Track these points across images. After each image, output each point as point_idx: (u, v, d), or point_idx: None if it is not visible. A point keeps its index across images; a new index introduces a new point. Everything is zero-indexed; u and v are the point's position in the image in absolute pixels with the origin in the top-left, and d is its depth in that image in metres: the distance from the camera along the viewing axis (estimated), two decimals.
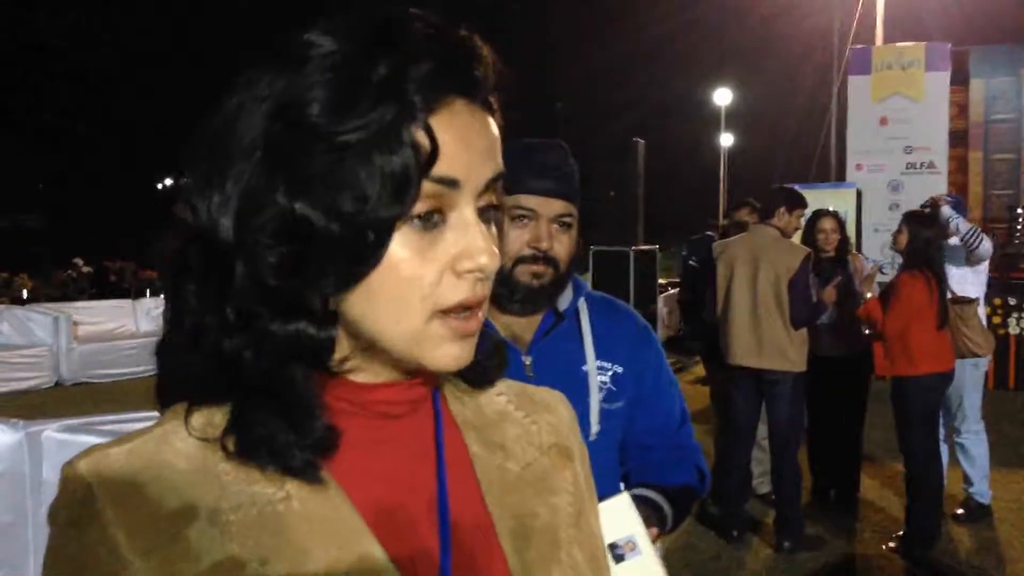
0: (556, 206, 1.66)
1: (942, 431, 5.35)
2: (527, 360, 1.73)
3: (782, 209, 5.10)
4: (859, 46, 13.94)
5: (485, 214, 0.73)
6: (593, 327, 1.81)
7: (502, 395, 0.89)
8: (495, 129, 0.74)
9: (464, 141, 0.69)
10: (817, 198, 10.61)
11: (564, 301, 1.77)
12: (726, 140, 41.77)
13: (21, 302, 15.80)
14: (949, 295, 5.08)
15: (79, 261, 23.23)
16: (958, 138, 12.69)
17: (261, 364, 0.69)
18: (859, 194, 10.98)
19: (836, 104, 17.91)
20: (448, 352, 0.71)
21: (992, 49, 13.39)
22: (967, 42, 14.07)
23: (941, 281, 4.92)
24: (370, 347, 0.72)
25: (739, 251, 5.11)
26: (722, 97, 40.75)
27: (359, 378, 0.75)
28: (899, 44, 13.27)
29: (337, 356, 0.72)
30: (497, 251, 0.72)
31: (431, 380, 0.79)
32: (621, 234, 13.38)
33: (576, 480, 0.88)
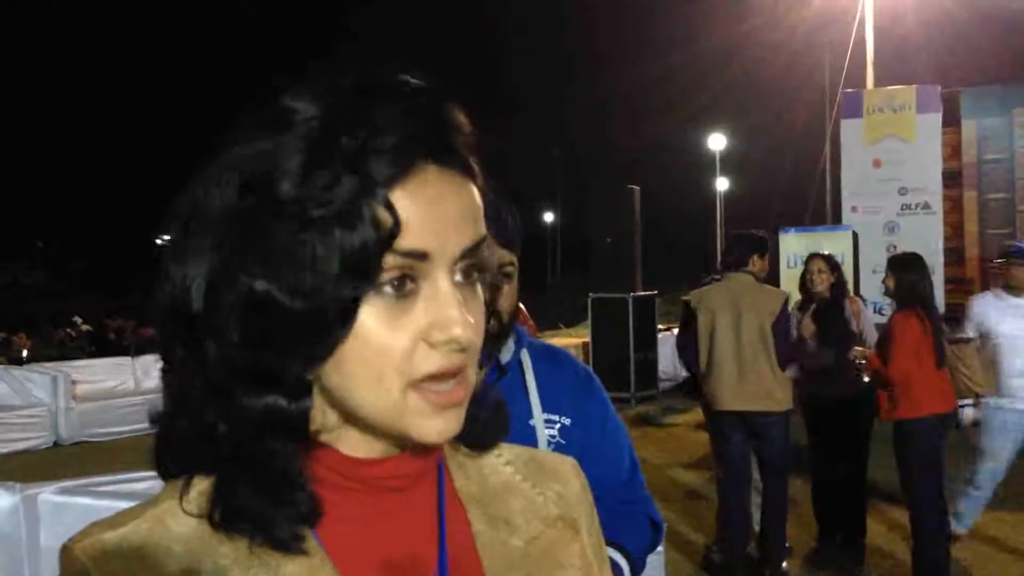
0: (497, 255, 1.62)
1: None
2: None
3: (755, 256, 5.31)
4: (850, 90, 14.09)
5: (468, 278, 0.71)
6: (537, 379, 1.76)
7: (509, 464, 0.86)
8: (474, 195, 0.71)
9: (434, 210, 0.67)
10: (813, 241, 10.67)
11: (506, 353, 1.74)
12: (722, 184, 42.06)
13: (20, 362, 15.75)
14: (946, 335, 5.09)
15: (77, 319, 23.21)
16: (952, 178, 12.75)
17: (236, 437, 0.68)
18: (855, 236, 11.03)
19: (829, 147, 18.05)
20: (430, 426, 0.69)
21: (983, 90, 13.50)
22: (955, 83, 14.20)
23: (935, 320, 4.93)
24: (352, 418, 0.71)
25: (718, 299, 5.23)
26: (716, 142, 41.11)
27: (358, 452, 0.73)
28: (890, 88, 13.41)
29: (315, 426, 0.70)
30: (474, 320, 0.69)
31: (432, 451, 0.76)
32: (619, 281, 13.45)
33: (584, 554, 0.84)
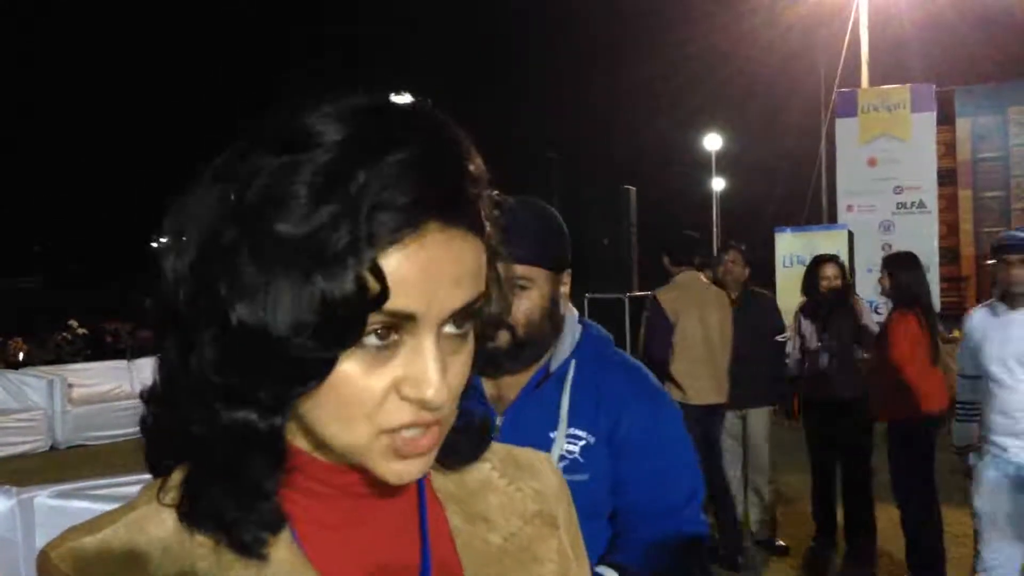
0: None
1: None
2: (497, 422, 1.65)
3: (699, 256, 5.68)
4: (845, 89, 14.11)
5: (461, 328, 0.68)
6: (576, 391, 1.67)
7: (486, 461, 0.85)
8: (476, 253, 0.67)
9: (429, 272, 0.63)
10: (809, 241, 10.67)
11: (557, 359, 1.68)
12: (718, 184, 42.07)
13: (16, 366, 15.75)
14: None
15: (74, 323, 23.20)
16: (947, 177, 12.79)
17: (213, 442, 0.67)
18: (851, 235, 11.04)
19: (825, 146, 18.07)
20: (392, 469, 0.68)
21: (977, 89, 13.55)
22: (949, 82, 14.24)
23: (930, 319, 4.95)
24: (321, 444, 0.70)
25: (690, 298, 5.41)
26: (712, 142, 41.11)
27: (339, 461, 0.72)
28: (884, 87, 13.43)
29: (291, 438, 0.70)
30: (454, 375, 0.68)
31: None
32: (616, 281, 13.42)
33: (562, 549, 0.84)
